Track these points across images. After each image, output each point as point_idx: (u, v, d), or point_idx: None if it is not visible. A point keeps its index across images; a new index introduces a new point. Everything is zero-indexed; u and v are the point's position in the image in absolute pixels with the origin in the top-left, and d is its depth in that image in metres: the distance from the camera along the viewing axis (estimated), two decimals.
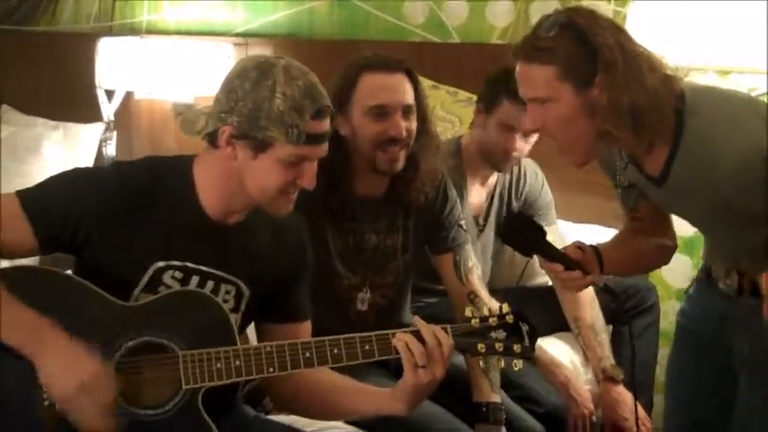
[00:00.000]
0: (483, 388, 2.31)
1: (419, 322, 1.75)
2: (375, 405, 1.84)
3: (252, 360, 1.71)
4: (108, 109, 4.00)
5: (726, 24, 2.75)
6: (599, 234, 3.11)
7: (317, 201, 2.20)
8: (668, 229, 2.07)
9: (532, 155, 2.85)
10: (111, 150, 3.99)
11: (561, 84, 1.75)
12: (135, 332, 1.69)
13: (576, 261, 1.88)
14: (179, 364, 1.68)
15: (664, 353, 2.94)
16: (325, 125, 1.74)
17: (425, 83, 3.55)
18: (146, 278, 1.75)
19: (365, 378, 2.02)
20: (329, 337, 1.74)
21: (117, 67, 3.90)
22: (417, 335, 1.73)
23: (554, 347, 2.75)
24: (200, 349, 1.69)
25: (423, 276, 2.57)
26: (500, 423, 2.29)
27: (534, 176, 2.89)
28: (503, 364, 1.82)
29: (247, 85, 1.69)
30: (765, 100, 2.64)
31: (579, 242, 1.96)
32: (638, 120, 1.74)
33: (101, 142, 4.05)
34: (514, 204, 2.86)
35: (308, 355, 1.73)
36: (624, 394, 2.56)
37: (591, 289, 2.51)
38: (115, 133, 4.01)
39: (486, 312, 1.80)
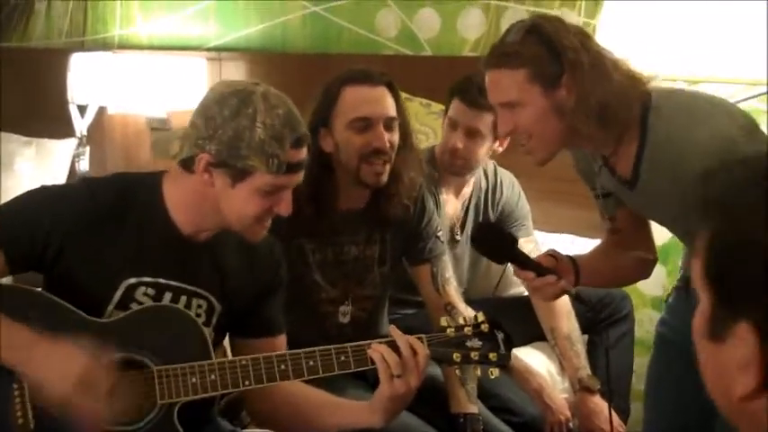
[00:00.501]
0: (460, 399, 2.31)
1: (395, 332, 1.75)
2: (352, 418, 1.84)
3: (227, 374, 1.70)
4: (81, 124, 3.98)
5: (694, 35, 2.78)
6: (575, 243, 3.13)
7: (299, 218, 2.20)
8: (647, 242, 2.08)
9: (508, 165, 2.87)
10: (84, 165, 3.98)
11: (530, 86, 1.78)
12: (109, 349, 1.66)
13: (547, 268, 1.90)
14: (154, 380, 1.67)
15: (639, 361, 2.96)
16: (304, 153, 1.73)
17: None
18: (118, 295, 1.74)
19: (343, 391, 2.02)
20: (304, 350, 1.74)
21: (89, 82, 3.89)
22: (393, 345, 1.73)
23: (530, 357, 2.76)
24: (175, 364, 1.69)
25: (400, 288, 2.57)
26: None
27: (511, 188, 2.89)
28: (479, 372, 1.83)
29: (227, 112, 1.66)
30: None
31: (553, 250, 1.97)
32: (605, 116, 1.77)
33: (74, 158, 4.04)
34: (491, 215, 2.86)
35: (283, 367, 1.72)
36: (600, 404, 2.57)
37: (567, 300, 2.53)
38: (88, 148, 4.00)
39: (461, 321, 1.80)
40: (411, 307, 2.71)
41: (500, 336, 1.80)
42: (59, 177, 4.03)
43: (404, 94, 3.52)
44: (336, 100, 2.22)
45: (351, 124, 2.20)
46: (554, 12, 3.39)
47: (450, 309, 2.36)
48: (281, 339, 1.93)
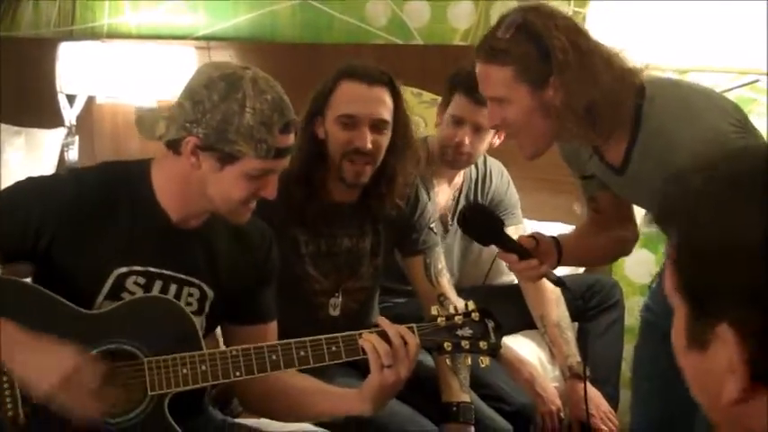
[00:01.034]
0: (453, 387, 2.31)
1: (384, 322, 1.76)
2: (342, 406, 1.84)
3: (218, 364, 1.70)
4: (70, 114, 3.97)
5: (684, 24, 2.78)
6: (565, 232, 3.14)
7: (291, 206, 2.20)
8: (629, 220, 2.10)
9: (498, 154, 2.87)
10: (73, 155, 3.96)
11: (517, 85, 1.78)
12: (99, 340, 1.68)
13: (528, 251, 1.90)
14: (144, 371, 1.68)
15: (629, 349, 2.97)
16: (291, 139, 1.73)
17: None
18: (108, 285, 1.74)
19: (333, 379, 2.02)
20: (295, 339, 1.74)
21: (78, 71, 3.87)
22: (383, 335, 1.73)
23: (521, 345, 2.77)
24: (166, 355, 1.69)
25: (390, 277, 2.57)
26: (470, 423, 2.30)
27: (500, 176, 2.90)
28: (469, 361, 1.84)
29: (215, 96, 1.66)
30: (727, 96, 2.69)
31: (536, 233, 1.98)
32: (594, 117, 1.77)
33: (63, 147, 4.02)
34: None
35: (274, 357, 1.73)
36: (590, 391, 2.58)
37: (556, 287, 2.54)
38: (77, 138, 3.98)
39: (451, 310, 1.81)
40: (401, 296, 2.72)
41: (490, 324, 1.81)
42: (49, 167, 4.02)
43: None
44: (332, 92, 2.22)
45: (338, 119, 2.21)
46: (543, 1, 3.38)
47: (443, 300, 2.37)
48: (273, 326, 1.94)
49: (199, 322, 1.79)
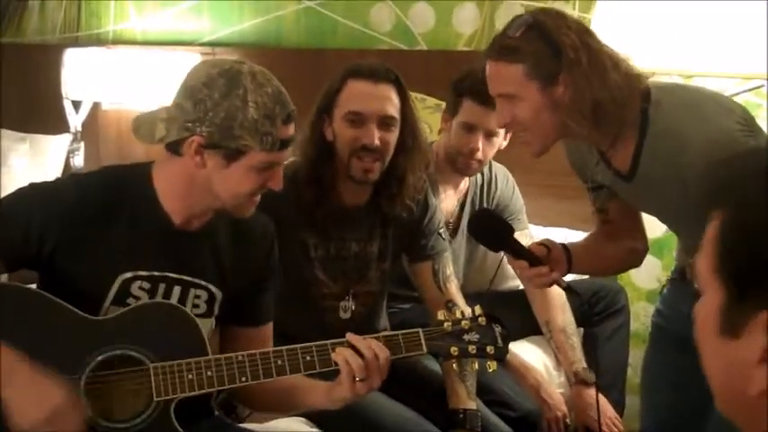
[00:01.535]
0: (460, 394, 2.30)
1: (353, 338, 1.74)
2: (314, 400, 1.83)
3: (224, 370, 1.70)
4: (75, 120, 3.98)
5: (689, 29, 2.78)
6: (570, 237, 3.13)
7: (301, 209, 2.20)
8: (639, 232, 2.10)
9: (504, 159, 2.87)
10: (78, 161, 3.97)
11: (527, 81, 1.79)
12: (105, 346, 1.68)
13: (539, 258, 1.91)
14: (150, 377, 1.67)
15: (635, 354, 2.97)
16: (293, 129, 1.74)
17: None
18: (114, 290, 1.74)
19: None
20: (300, 345, 1.74)
21: (84, 77, 3.88)
22: (356, 349, 1.72)
23: (526, 351, 2.76)
24: (171, 361, 1.69)
25: (396, 283, 2.57)
26: (476, 430, 2.29)
27: (505, 181, 2.90)
28: (477, 366, 1.83)
29: (216, 95, 1.66)
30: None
31: (546, 240, 1.98)
32: (600, 116, 1.79)
33: (68, 153, 4.03)
34: None
35: (279, 362, 1.73)
36: (595, 396, 2.58)
37: (562, 293, 2.53)
38: (83, 144, 3.99)
39: (458, 315, 1.81)
40: (406, 302, 2.72)
41: (497, 329, 1.80)
42: (54, 173, 4.02)
43: None
44: (340, 91, 2.23)
45: (345, 117, 2.22)
46: (549, 6, 3.39)
47: (451, 306, 2.35)
48: (270, 327, 1.94)
49: (209, 324, 1.80)
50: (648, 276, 3.22)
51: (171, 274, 1.78)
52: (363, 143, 2.19)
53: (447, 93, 2.74)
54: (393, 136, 2.23)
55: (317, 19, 3.93)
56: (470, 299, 2.65)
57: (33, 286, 1.78)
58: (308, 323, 2.20)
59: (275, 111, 1.68)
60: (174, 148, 1.73)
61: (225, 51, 4.02)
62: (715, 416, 1.96)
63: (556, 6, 3.37)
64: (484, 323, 1.80)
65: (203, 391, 1.70)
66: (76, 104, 3.97)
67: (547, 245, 1.95)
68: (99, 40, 4.34)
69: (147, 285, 1.76)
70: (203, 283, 1.81)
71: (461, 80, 2.61)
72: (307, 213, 2.23)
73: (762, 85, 2.82)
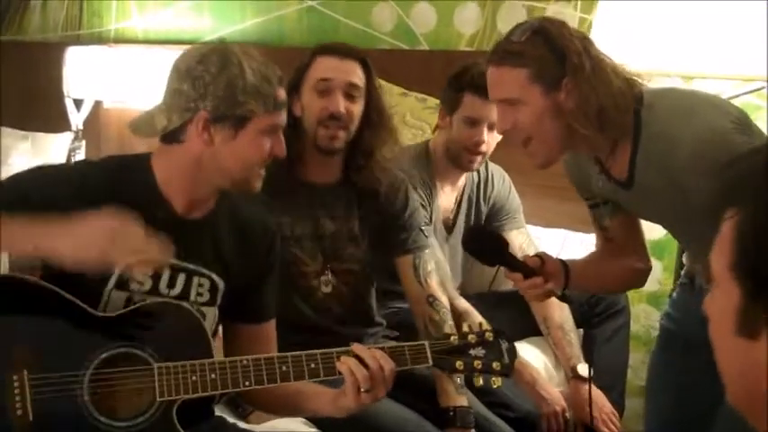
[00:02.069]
0: (449, 392, 2.32)
1: (358, 348, 1.74)
2: (319, 406, 1.84)
3: (227, 373, 1.71)
4: (76, 118, 3.98)
5: (690, 30, 2.79)
6: (569, 239, 3.15)
7: (275, 189, 2.22)
8: (641, 251, 2.10)
9: (503, 160, 2.88)
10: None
11: (531, 86, 1.81)
12: (110, 343, 1.69)
13: (533, 269, 1.92)
14: (154, 377, 1.68)
15: (635, 357, 2.97)
16: (284, 92, 1.80)
17: (395, 90, 3.59)
18: (116, 274, 1.74)
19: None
20: (306, 352, 1.75)
21: (85, 75, 3.89)
22: (360, 359, 1.72)
23: (525, 352, 2.76)
24: (176, 361, 1.69)
25: (394, 280, 2.58)
26: (469, 426, 2.30)
27: (501, 181, 2.91)
28: (481, 381, 1.81)
29: (213, 68, 1.70)
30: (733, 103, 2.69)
31: (542, 252, 2.00)
32: (604, 119, 1.80)
33: (69, 152, 4.03)
34: (483, 207, 2.88)
35: (284, 368, 1.73)
36: (593, 393, 2.59)
37: None
38: (84, 142, 4.00)
39: (465, 329, 1.81)
40: (405, 300, 2.72)
41: (504, 345, 1.80)
42: None
43: (400, 89, 3.57)
44: (308, 67, 2.35)
45: (314, 86, 2.32)
46: (550, 7, 3.40)
47: (431, 300, 2.39)
48: (272, 324, 1.95)
49: (212, 313, 1.81)
50: (649, 278, 3.22)
51: (174, 261, 1.78)
52: (330, 112, 2.28)
53: (443, 92, 2.75)
54: (358, 107, 2.33)
55: (318, 18, 3.93)
56: (471, 300, 2.67)
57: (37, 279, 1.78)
58: (292, 300, 2.27)
59: (269, 74, 1.74)
60: (174, 136, 1.74)
61: None
62: (721, 418, 1.97)
63: (558, 7, 3.37)
64: (491, 338, 1.80)
65: (207, 393, 1.71)
66: (78, 103, 3.98)
67: (542, 257, 1.97)
68: (101, 39, 4.34)
69: (150, 271, 1.76)
70: (206, 271, 1.82)
71: (460, 75, 2.64)
72: (279, 193, 2.25)
73: (762, 87, 2.83)
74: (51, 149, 4.13)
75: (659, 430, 2.22)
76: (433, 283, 2.42)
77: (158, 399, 1.68)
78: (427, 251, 2.44)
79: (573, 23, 1.93)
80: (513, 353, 1.80)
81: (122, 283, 1.75)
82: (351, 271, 2.40)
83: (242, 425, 2.02)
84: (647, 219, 2.06)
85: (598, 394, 2.61)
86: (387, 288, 2.61)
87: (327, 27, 3.92)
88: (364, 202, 2.39)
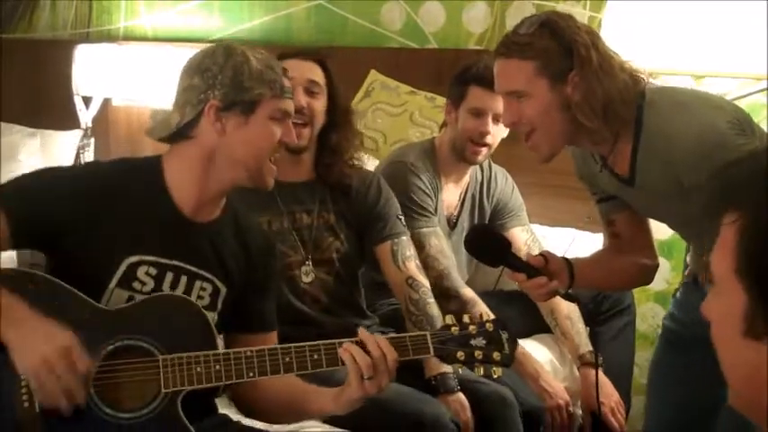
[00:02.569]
0: (431, 363, 2.34)
1: (363, 334, 1.74)
2: (326, 406, 1.83)
3: (232, 365, 1.71)
4: (85, 116, 3.98)
5: (700, 29, 2.78)
6: (576, 238, 3.14)
7: (249, 189, 2.25)
8: (648, 248, 2.09)
9: (509, 159, 2.88)
10: (88, 157, 3.97)
11: (538, 78, 1.82)
12: (115, 335, 1.69)
13: (537, 269, 1.92)
14: (159, 368, 1.69)
15: (641, 355, 2.97)
16: (288, 81, 1.84)
17: (403, 88, 3.60)
18: (119, 273, 1.76)
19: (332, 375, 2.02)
20: (308, 343, 1.75)
21: (94, 73, 3.89)
22: (364, 346, 1.72)
23: (531, 349, 2.76)
24: (181, 353, 1.70)
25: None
26: (452, 391, 2.32)
27: (504, 180, 2.93)
28: (482, 371, 1.81)
29: (220, 59, 1.77)
30: (742, 102, 2.69)
31: (545, 251, 2.00)
32: (609, 112, 1.80)
33: (78, 149, 4.03)
34: (486, 206, 2.89)
35: (288, 360, 1.73)
36: (601, 379, 2.59)
37: None
38: (93, 140, 4.00)
39: (466, 320, 1.81)
40: None
41: (504, 335, 1.80)
42: None
43: (408, 88, 3.58)
44: None
45: None
46: (560, 6, 3.39)
47: (411, 282, 2.43)
48: (273, 336, 1.94)
49: (212, 318, 1.81)
50: (657, 277, 3.19)
51: (178, 263, 1.80)
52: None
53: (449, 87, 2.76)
54: (319, 103, 2.41)
55: (327, 16, 3.93)
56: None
57: (43, 274, 1.79)
58: (282, 291, 2.30)
59: (272, 62, 1.80)
60: (185, 132, 1.78)
61: None
62: (723, 418, 1.97)
63: (567, 6, 3.37)
64: (491, 329, 1.80)
65: (211, 384, 1.71)
66: (87, 100, 3.98)
67: (545, 256, 1.96)
68: (110, 37, 4.35)
69: (153, 272, 1.78)
70: (209, 275, 1.83)
71: (465, 70, 2.69)
72: (254, 192, 2.28)
73: None
74: (60, 147, 4.13)
75: (662, 426, 2.21)
76: (412, 266, 2.47)
77: (163, 390, 1.68)
78: (404, 238, 2.49)
79: (582, 21, 1.93)
80: (513, 343, 1.80)
81: (125, 282, 1.76)
82: (332, 260, 2.45)
83: (246, 422, 2.02)
84: (651, 216, 2.06)
85: (606, 382, 2.62)
86: (381, 280, 2.61)
87: (335, 25, 3.92)
88: (337, 198, 2.47)
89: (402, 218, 2.51)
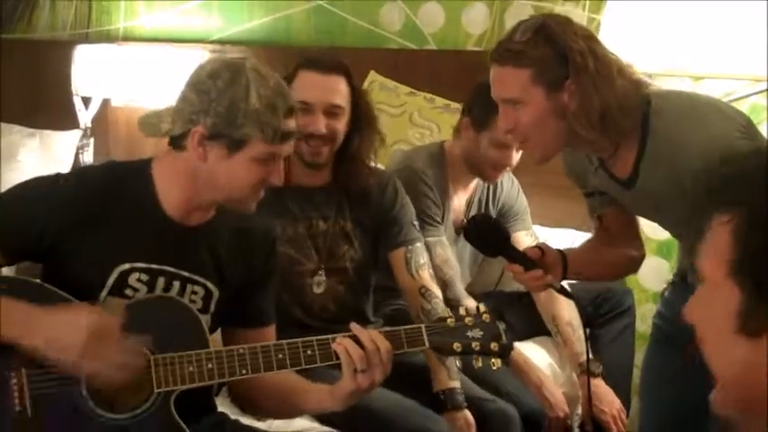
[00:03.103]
0: (440, 377, 2.33)
1: (355, 328, 1.73)
2: (324, 402, 1.82)
3: (224, 363, 1.70)
4: (85, 116, 3.98)
5: (700, 30, 2.78)
6: (578, 239, 3.13)
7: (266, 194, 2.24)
8: (635, 239, 2.10)
9: None
10: (88, 157, 3.97)
11: (533, 87, 1.79)
12: None
13: (534, 262, 1.91)
14: (150, 368, 1.68)
15: (641, 356, 2.95)
16: (294, 123, 1.76)
17: (402, 89, 3.59)
18: (111, 281, 1.75)
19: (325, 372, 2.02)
20: (301, 339, 1.74)
21: (94, 74, 3.89)
22: (357, 339, 1.71)
23: (532, 352, 2.76)
24: (172, 353, 1.69)
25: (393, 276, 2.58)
26: (459, 407, 2.30)
27: (510, 183, 2.92)
28: (480, 363, 1.80)
29: (221, 83, 1.69)
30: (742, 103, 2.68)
31: (542, 243, 2.00)
32: (607, 122, 1.77)
33: (78, 149, 4.03)
34: (492, 210, 2.88)
35: (280, 356, 1.72)
36: (602, 387, 2.59)
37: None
38: (92, 140, 4.00)
39: (462, 312, 1.79)
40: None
41: (501, 326, 1.78)
42: (63, 169, 3.98)
43: (407, 89, 3.57)
44: (290, 82, 2.31)
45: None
46: (558, 7, 3.38)
47: (423, 291, 2.40)
48: (272, 330, 1.94)
49: (204, 321, 1.79)
50: (656, 278, 3.21)
51: (169, 268, 1.78)
52: (309, 131, 2.29)
53: (457, 92, 2.75)
54: (340, 123, 2.34)
55: (326, 17, 3.93)
56: (477, 299, 2.65)
57: (38, 281, 1.78)
58: (287, 301, 2.27)
59: (277, 102, 1.70)
60: (177, 142, 1.75)
61: (234, 49, 4.02)
62: (715, 416, 1.96)
63: (566, 7, 3.36)
64: (488, 320, 1.78)
65: (204, 383, 1.70)
66: (86, 101, 3.98)
67: (541, 248, 1.96)
68: (109, 37, 4.34)
69: (145, 278, 1.77)
70: (201, 279, 1.82)
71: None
72: (269, 196, 2.27)
73: None
74: (59, 147, 4.12)
75: (656, 426, 2.21)
76: (425, 275, 2.44)
77: (156, 390, 1.68)
78: (419, 244, 2.46)
79: (581, 24, 1.90)
80: (510, 334, 1.80)
81: (118, 289, 1.75)
82: (346, 269, 2.41)
83: (245, 420, 2.01)
84: (643, 216, 2.07)
85: (608, 390, 2.61)
86: (387, 285, 2.60)
87: (335, 26, 3.91)
88: (354, 202, 2.42)
89: (416, 223, 2.48)
